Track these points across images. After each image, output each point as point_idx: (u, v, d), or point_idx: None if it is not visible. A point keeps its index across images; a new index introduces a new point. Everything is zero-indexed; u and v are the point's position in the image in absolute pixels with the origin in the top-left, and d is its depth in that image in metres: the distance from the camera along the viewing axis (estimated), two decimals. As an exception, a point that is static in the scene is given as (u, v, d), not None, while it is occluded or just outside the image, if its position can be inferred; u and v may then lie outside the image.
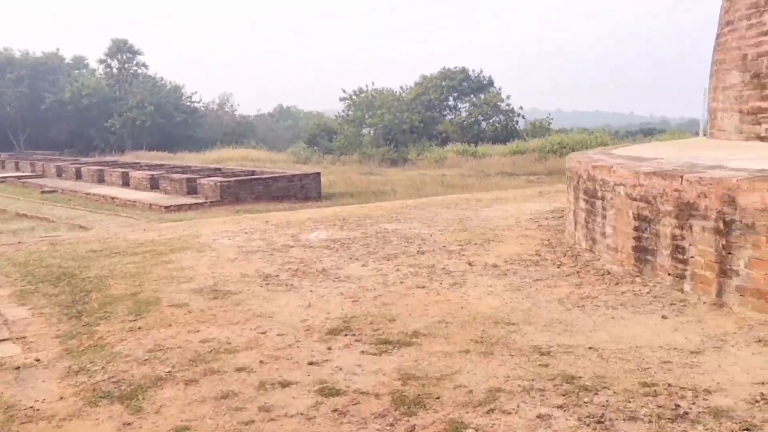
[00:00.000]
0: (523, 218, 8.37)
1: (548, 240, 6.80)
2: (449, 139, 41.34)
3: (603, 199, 5.64)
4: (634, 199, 5.13)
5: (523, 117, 46.91)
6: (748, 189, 4.06)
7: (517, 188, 14.09)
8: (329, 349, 3.85)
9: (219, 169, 24.21)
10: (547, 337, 3.89)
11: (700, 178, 4.42)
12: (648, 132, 55.48)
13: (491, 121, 44.86)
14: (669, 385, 3.15)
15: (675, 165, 5.16)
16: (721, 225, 4.26)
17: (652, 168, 5.10)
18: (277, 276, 5.59)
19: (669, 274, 4.76)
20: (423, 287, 5.11)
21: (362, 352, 3.78)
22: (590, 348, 3.69)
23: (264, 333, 4.17)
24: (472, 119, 44.25)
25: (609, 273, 5.27)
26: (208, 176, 20.67)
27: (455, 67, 47.75)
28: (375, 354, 3.74)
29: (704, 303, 4.37)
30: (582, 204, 6.15)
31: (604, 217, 5.64)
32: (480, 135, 42.10)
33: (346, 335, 4.08)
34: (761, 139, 5.73)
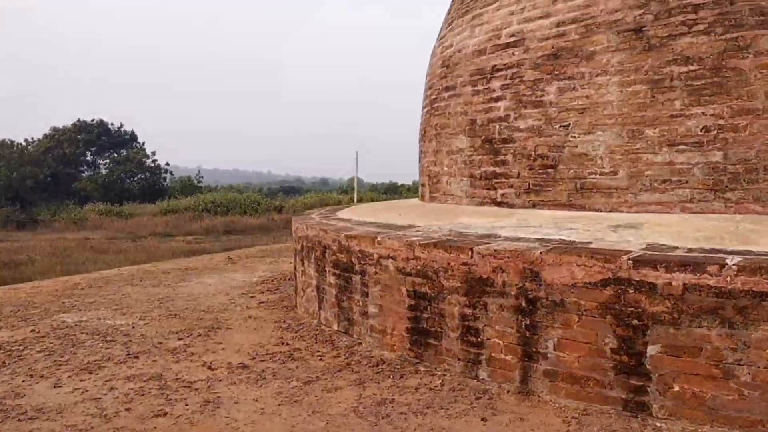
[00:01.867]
0: (234, 294, 7.22)
1: (284, 321, 5.81)
2: (89, 198, 37.27)
3: (363, 274, 4.91)
4: (409, 274, 4.51)
5: (171, 173, 45.07)
6: (555, 263, 3.71)
7: (199, 255, 12.70)
8: None
9: None
10: (380, 476, 2.91)
11: (495, 250, 3.97)
12: (288, 191, 58.47)
13: (136, 178, 41.94)
14: None
15: (443, 234, 4.70)
16: (524, 303, 3.85)
17: (425, 238, 4.55)
18: None
19: (459, 360, 4.19)
20: (164, 414, 3.67)
21: None
22: (444, 485, 2.82)
23: None
24: (115, 176, 40.76)
25: (384, 362, 4.51)
26: None
27: (92, 120, 43.81)
28: None
29: (508, 392, 3.87)
30: (332, 279, 5.33)
31: (365, 294, 4.90)
32: (124, 193, 38.91)
33: None
34: (498, 204, 5.70)
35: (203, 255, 11.97)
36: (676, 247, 3.68)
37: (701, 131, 4.49)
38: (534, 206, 5.38)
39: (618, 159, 4.85)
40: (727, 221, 4.20)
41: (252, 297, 7.02)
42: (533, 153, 5.38)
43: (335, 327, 5.33)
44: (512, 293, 3.90)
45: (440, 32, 7.43)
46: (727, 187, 4.42)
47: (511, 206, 5.57)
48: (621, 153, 4.84)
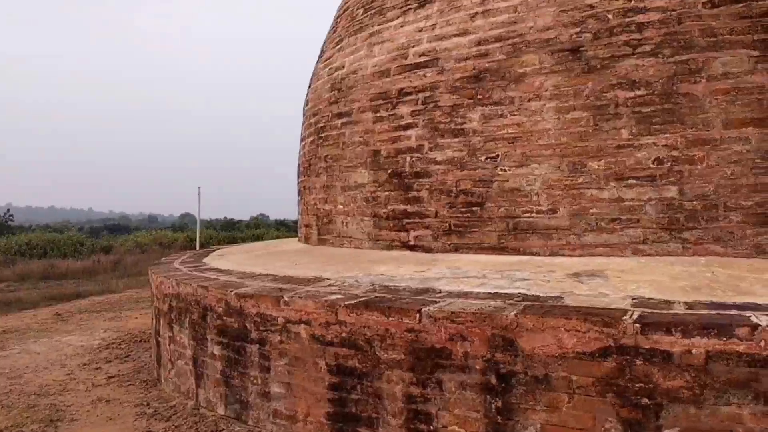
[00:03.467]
0: (73, 365, 5.72)
1: (148, 404, 4.52)
2: None
3: (263, 343, 3.84)
4: (330, 344, 3.52)
5: (-23, 213, 39.69)
6: (535, 328, 2.93)
7: (14, 306, 10.53)
8: None
9: None
10: None
11: (453, 313, 3.12)
12: (114, 229, 53.84)
13: (-68, 218, 36.36)
14: None
15: (366, 290, 3.77)
16: (494, 379, 3.02)
17: (348, 296, 3.59)
18: None
19: (404, 454, 3.25)
20: None
21: None
22: None
23: None
24: None
25: (299, 461, 3.45)
26: None
27: None
28: None
29: (476, 495, 3.00)
30: (216, 350, 4.18)
31: (266, 370, 3.82)
32: None
33: None
34: (410, 248, 4.88)
35: (23, 311, 9.92)
36: (670, 302, 3.05)
37: (653, 163, 4.00)
38: (456, 250, 4.62)
39: (557, 195, 4.24)
40: (694, 266, 3.69)
41: (97, 369, 5.58)
42: (454, 189, 4.64)
43: (221, 411, 4.16)
44: (477, 367, 3.06)
45: (323, 52, 6.58)
46: (684, 226, 3.94)
47: (427, 250, 4.78)
48: (561, 188, 4.23)
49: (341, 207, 5.56)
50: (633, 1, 4.15)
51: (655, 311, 2.90)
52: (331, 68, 6.05)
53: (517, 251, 4.37)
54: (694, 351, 2.66)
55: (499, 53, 4.54)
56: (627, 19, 4.14)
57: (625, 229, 4.06)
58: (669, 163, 3.96)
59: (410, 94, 4.97)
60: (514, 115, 4.41)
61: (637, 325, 2.74)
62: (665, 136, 3.97)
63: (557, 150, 4.24)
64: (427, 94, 4.86)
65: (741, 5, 3.92)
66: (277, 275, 4.46)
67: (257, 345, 3.89)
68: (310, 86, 6.76)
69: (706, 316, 2.76)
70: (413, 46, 5.03)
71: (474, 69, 4.63)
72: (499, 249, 4.44)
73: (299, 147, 6.88)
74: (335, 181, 5.65)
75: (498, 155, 4.46)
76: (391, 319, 3.30)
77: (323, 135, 5.91)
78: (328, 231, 5.79)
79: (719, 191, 3.86)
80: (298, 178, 6.82)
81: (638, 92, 4.06)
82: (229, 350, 4.10)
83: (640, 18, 4.11)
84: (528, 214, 4.34)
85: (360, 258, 4.78)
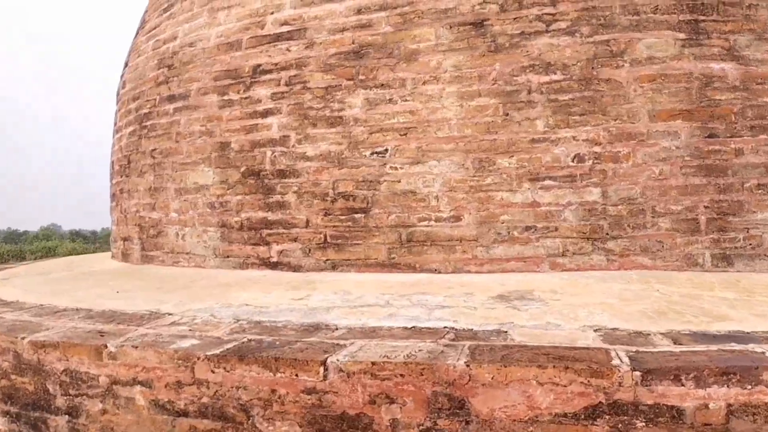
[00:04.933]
0: None
1: None
2: None
3: (75, 414, 2.62)
4: (182, 414, 2.42)
5: None
6: (495, 381, 2.10)
7: None
8: None
9: None
10: None
11: (373, 364, 2.20)
12: None
13: None
14: None
15: (232, 329, 2.72)
16: (435, 456, 2.14)
17: (206, 341, 2.51)
18: None
19: None
20: None
21: None
22: None
23: None
24: None
25: None
26: None
27: None
28: None
29: None
30: (0, 423, 2.85)
31: (80, 455, 2.61)
32: None
33: None
34: (273, 266, 3.85)
35: None
36: (644, 334, 2.39)
37: (573, 161, 3.38)
38: (334, 268, 3.70)
39: (461, 199, 3.48)
40: (630, 282, 3.10)
41: None
42: (331, 191, 3.71)
43: None
44: (410, 440, 2.16)
45: (146, 22, 5.30)
46: (608, 234, 3.36)
47: (296, 268, 3.79)
48: (465, 190, 3.48)
49: (175, 215, 4.37)
50: (545, -30, 3.52)
51: (641, 350, 2.20)
52: (158, 41, 4.82)
53: (412, 268, 3.55)
54: (711, 405, 1.98)
55: (385, 24, 3.69)
56: (539, -10, 3.50)
57: (541, 239, 3.40)
58: (591, 161, 3.37)
59: (270, 72, 3.96)
60: (407, 100, 3.59)
61: (637, 373, 2.02)
62: (586, 128, 3.38)
63: (460, 144, 3.49)
64: (293, 72, 3.88)
65: (663, -18, 3.44)
66: (93, 309, 3.20)
67: (66, 416, 2.65)
68: (127, 65, 5.43)
69: (717, 356, 2.10)
70: (272, 12, 4.03)
71: (353, 43, 3.75)
72: (390, 266, 3.58)
73: (113, 140, 5.51)
74: (166, 182, 4.44)
75: (387, 149, 3.61)
76: (279, 375, 2.29)
77: (148, 124, 4.67)
78: (157, 245, 4.55)
79: (647, 194, 3.33)
80: (112, 179, 5.46)
81: (554, 76, 3.43)
82: (20, 424, 2.80)
83: (554, -11, 3.49)
84: (425, 222, 3.53)
85: (208, 281, 3.67)
